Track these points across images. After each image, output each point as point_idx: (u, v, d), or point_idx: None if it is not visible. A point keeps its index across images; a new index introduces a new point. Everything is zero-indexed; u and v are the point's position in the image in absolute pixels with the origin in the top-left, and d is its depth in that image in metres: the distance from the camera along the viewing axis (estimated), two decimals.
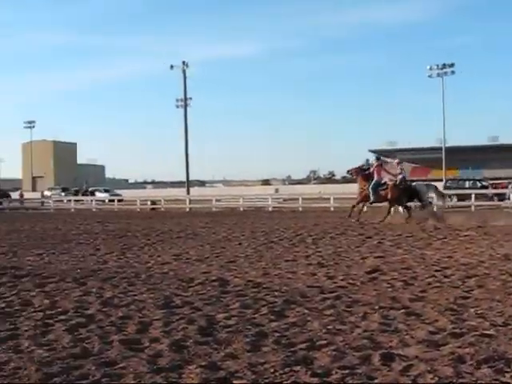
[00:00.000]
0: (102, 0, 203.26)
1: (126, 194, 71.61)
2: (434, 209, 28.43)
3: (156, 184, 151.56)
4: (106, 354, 6.02)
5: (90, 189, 74.35)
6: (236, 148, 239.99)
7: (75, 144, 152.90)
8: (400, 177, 25.61)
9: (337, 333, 6.69)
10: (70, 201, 57.38)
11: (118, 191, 70.78)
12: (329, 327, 6.94)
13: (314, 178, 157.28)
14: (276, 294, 9.17)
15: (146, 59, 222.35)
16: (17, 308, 8.40)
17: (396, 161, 28.64)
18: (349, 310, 7.90)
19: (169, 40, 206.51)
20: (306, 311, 7.83)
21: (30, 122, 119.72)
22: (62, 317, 7.74)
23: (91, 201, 55.48)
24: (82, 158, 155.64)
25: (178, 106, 74.09)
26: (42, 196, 70.84)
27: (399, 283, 9.88)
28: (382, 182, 25.48)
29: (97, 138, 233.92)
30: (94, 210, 47.56)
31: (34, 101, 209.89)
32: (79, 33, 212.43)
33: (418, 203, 26.43)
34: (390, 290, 9.35)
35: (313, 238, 18.64)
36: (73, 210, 47.52)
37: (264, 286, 9.91)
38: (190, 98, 73.38)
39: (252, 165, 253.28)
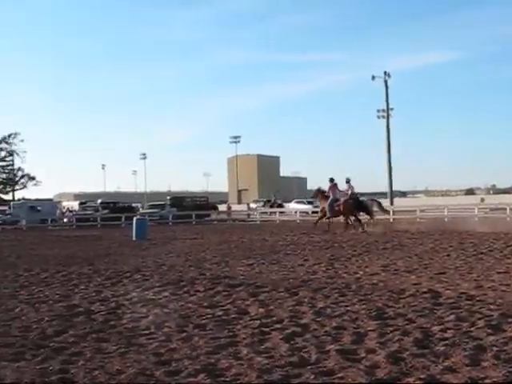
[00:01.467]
0: (294, 18, 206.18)
1: None
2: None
3: (360, 195, 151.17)
4: (324, 364, 6.07)
5: (279, 201, 75.62)
6: (437, 157, 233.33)
7: (278, 157, 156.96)
8: (349, 193, 30.48)
9: None
10: (274, 213, 58.66)
11: None
12: None
13: None
14: (491, 307, 8.84)
15: (344, 71, 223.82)
16: (233, 316, 8.72)
17: (345, 181, 32.09)
18: None
19: (366, 52, 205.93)
20: None
21: (235, 137, 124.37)
22: (278, 325, 7.93)
23: (295, 212, 56.34)
24: (285, 171, 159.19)
25: (379, 117, 73.51)
26: (248, 208, 73.01)
27: None
28: (336, 199, 30.32)
29: (299, 150, 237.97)
30: (298, 221, 48.26)
31: (239, 116, 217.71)
32: (276, 49, 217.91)
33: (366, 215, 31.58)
34: None
35: None
36: (278, 222, 48.57)
37: (478, 298, 9.58)
38: (392, 109, 72.55)
39: (453, 174, 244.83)
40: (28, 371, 6.20)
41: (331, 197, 30.35)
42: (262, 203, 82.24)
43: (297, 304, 9.48)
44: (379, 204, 33.20)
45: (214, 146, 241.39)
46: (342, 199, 30.19)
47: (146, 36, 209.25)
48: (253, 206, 79.68)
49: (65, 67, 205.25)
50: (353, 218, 30.79)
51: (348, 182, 31.07)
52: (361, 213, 31.19)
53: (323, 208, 31.63)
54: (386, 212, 35.58)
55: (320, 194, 32.38)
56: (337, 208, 30.29)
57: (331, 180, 31.14)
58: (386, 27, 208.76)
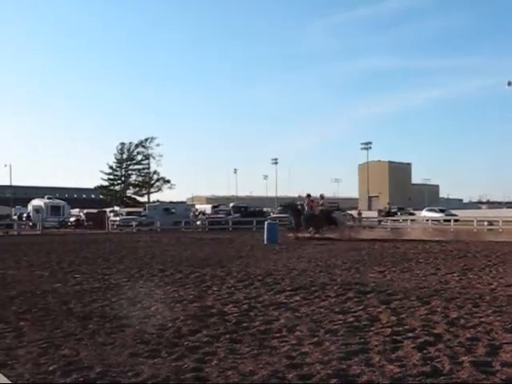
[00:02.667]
0: (426, 23, 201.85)
1: (461, 213, 70.14)
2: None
3: (491, 204, 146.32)
4: (457, 375, 5.96)
5: (393, 210, 74.13)
6: None
7: (410, 164, 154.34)
8: (320, 208, 34.48)
9: None
10: (406, 220, 57.72)
11: (453, 211, 69.46)
12: None
13: None
14: None
15: (477, 77, 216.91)
16: (365, 323, 8.69)
17: (319, 196, 37.69)
18: None
19: (501, 56, 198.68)
20: None
21: (366, 144, 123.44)
22: (410, 334, 7.84)
23: (427, 220, 55.28)
24: (416, 179, 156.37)
25: None
26: (379, 215, 72.22)
27: None
28: (314, 213, 33.45)
29: (431, 158, 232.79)
30: (429, 230, 47.30)
31: (370, 122, 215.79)
32: (409, 55, 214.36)
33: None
34: None
35: None
36: (409, 230, 47.78)
37: None
38: None
39: None
40: (163, 368, 6.44)
41: (308, 210, 33.65)
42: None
43: (429, 313, 9.33)
44: (349, 215, 38.73)
45: (345, 152, 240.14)
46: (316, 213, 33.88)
47: (281, 46, 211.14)
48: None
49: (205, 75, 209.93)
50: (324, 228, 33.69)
51: (322, 198, 37.43)
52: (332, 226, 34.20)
53: (298, 222, 34.11)
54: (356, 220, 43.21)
55: (290, 209, 36.63)
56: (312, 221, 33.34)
57: (308, 196, 35.21)
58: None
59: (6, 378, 5.99)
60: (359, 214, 70.00)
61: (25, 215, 65.87)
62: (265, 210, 72.12)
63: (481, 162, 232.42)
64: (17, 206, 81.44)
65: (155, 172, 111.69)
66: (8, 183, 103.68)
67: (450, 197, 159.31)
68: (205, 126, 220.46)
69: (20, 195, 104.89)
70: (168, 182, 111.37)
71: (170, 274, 15.52)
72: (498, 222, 49.28)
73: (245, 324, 8.74)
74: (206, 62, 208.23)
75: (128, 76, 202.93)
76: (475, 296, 11.03)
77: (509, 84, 68.62)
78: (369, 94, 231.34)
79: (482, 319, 8.79)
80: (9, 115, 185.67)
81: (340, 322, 8.76)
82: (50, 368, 6.48)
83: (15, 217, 66.97)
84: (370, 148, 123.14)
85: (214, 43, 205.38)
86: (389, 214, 68.36)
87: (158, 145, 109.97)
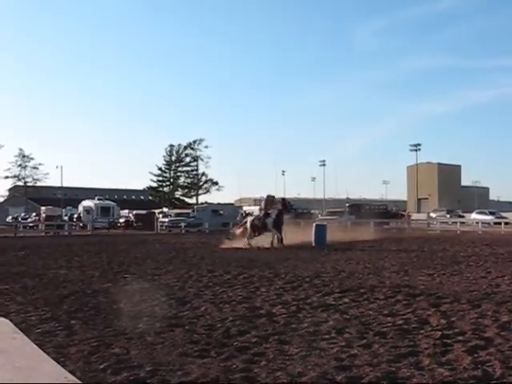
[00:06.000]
0: (482, 22, 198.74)
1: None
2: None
3: None
4: (509, 380, 5.89)
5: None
6: None
7: (459, 166, 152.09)
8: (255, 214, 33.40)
9: None
10: (455, 223, 57.05)
11: (504, 214, 68.37)
12: None
13: None
14: None
15: None
16: (414, 326, 8.62)
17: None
18: None
19: None
20: None
21: (415, 145, 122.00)
22: (460, 337, 7.76)
23: (477, 223, 54.56)
24: (465, 181, 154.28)
25: None
26: (428, 217, 71.52)
27: None
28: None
29: (481, 159, 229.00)
30: (479, 232, 46.65)
31: (419, 124, 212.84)
32: (459, 54, 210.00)
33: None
34: None
35: None
36: (458, 232, 47.18)
37: None
38: None
39: None
40: (213, 368, 6.49)
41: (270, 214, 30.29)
42: (444, 212, 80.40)
43: (479, 317, 9.21)
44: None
45: (394, 153, 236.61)
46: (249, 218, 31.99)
47: (329, 49, 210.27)
48: (433, 215, 78.03)
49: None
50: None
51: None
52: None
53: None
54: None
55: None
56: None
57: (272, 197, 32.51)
58: None
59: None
60: (408, 216, 69.54)
61: (75, 216, 66.73)
62: (312, 211, 72.02)
63: None
64: (67, 207, 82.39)
65: (203, 174, 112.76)
66: (59, 184, 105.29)
67: (501, 199, 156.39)
68: (253, 128, 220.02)
69: (71, 196, 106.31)
70: (216, 183, 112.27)
71: (219, 274, 15.62)
72: None
73: (293, 325, 8.75)
74: (256, 67, 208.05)
75: (180, 80, 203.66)
76: None
77: None
78: (417, 94, 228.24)
79: None
80: (62, 118, 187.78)
81: (389, 324, 8.71)
82: (101, 366, 6.59)
83: (66, 217, 67.93)
84: (419, 149, 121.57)
85: (259, 48, 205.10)
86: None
87: (206, 147, 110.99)
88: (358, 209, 63.76)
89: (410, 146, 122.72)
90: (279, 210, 30.26)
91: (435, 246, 27.76)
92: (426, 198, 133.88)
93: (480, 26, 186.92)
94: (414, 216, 78.69)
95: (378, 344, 7.44)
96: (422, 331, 8.20)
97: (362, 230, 29.68)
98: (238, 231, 31.12)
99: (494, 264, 18.39)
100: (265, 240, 29.01)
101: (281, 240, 29.15)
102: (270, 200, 31.80)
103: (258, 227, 30.01)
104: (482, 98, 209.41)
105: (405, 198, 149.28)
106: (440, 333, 8.02)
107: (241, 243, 28.89)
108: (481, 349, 7.11)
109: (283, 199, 33.41)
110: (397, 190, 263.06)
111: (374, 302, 10.88)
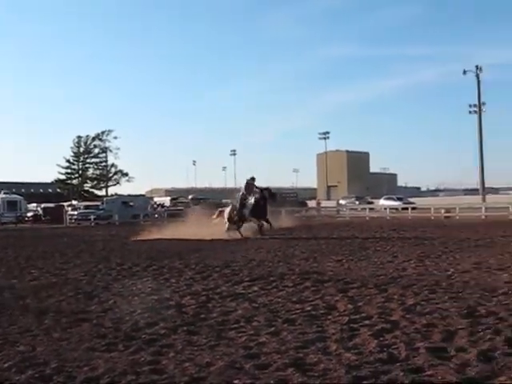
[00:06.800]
0: (389, 13, 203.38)
1: (419, 201, 70.90)
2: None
3: (448, 192, 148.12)
4: (413, 361, 5.99)
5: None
6: None
7: (368, 153, 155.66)
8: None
9: None
10: (364, 209, 58.27)
11: (411, 199, 70.25)
12: None
13: None
14: None
15: (435, 66, 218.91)
16: (322, 312, 8.70)
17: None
18: None
19: (460, 45, 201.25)
20: None
21: (324, 133, 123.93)
22: (367, 322, 7.88)
23: (385, 209, 55.89)
24: (374, 167, 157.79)
25: (470, 112, 71.90)
26: (338, 204, 72.74)
27: None
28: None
29: (388, 146, 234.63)
30: (387, 218, 47.79)
31: (328, 112, 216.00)
32: (369, 45, 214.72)
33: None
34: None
35: None
36: (367, 218, 48.17)
37: None
38: (484, 104, 70.79)
39: None
40: (120, 361, 6.37)
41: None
42: (353, 199, 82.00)
43: (386, 301, 9.38)
44: None
45: (304, 142, 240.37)
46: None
47: (243, 34, 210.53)
48: (342, 202, 79.44)
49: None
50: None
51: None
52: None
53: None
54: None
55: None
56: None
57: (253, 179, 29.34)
58: (478, 21, 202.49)
59: None
60: (318, 203, 70.53)
61: None
62: (224, 201, 72.15)
63: (437, 150, 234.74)
64: None
65: (113, 165, 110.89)
66: None
67: (408, 185, 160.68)
68: (164, 119, 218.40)
69: None
70: (126, 174, 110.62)
71: (128, 267, 15.38)
72: (454, 209, 50.06)
73: (202, 316, 8.70)
74: (168, 62, 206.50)
75: (82, 70, 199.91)
76: (432, 283, 11.11)
77: (464, 72, 69.71)
78: (327, 84, 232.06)
79: (438, 305, 8.84)
80: None
81: (297, 311, 8.76)
82: (6, 365, 6.38)
83: None
84: (328, 138, 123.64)
85: (171, 44, 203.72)
86: None
87: (115, 137, 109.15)
88: (272, 197, 64.20)
89: (319, 134, 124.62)
90: (260, 196, 27.67)
91: (344, 233, 28.25)
92: (336, 186, 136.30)
93: (387, 15, 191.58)
94: (324, 203, 79.92)
95: (286, 331, 7.46)
96: (329, 317, 8.28)
97: (274, 219, 29.45)
98: (215, 221, 29.93)
99: (401, 248, 18.83)
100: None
101: (270, 226, 27.59)
102: (251, 185, 28.74)
103: (236, 220, 28.15)
104: (389, 87, 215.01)
105: (315, 186, 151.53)
106: (347, 318, 8.12)
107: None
108: (387, 332, 7.23)
109: (267, 188, 29.93)
110: (307, 178, 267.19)
111: (282, 289, 10.93)
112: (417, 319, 7.93)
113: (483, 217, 46.34)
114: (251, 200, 27.83)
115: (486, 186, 73.65)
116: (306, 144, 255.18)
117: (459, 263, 14.28)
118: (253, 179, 29.22)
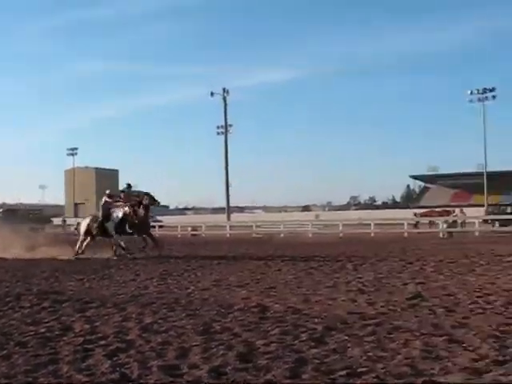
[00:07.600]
0: (143, 30, 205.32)
1: (167, 220, 71.94)
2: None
3: (196, 210, 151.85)
4: (145, 380, 6.00)
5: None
6: (276, 174, 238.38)
7: (117, 171, 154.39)
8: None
9: (377, 360, 6.58)
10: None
11: (159, 217, 71.01)
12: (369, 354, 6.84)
13: (354, 204, 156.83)
14: (316, 320, 9.02)
15: (187, 87, 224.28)
16: (57, 333, 8.43)
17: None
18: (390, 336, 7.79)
19: (210, 68, 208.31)
20: (346, 338, 7.73)
21: (72, 149, 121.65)
22: (102, 342, 7.75)
23: None
24: (124, 185, 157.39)
25: (218, 133, 74.59)
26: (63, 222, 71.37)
27: (441, 310, 9.73)
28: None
29: (138, 164, 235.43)
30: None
31: (77, 128, 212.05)
32: (128, 62, 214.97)
33: None
34: (431, 316, 9.22)
35: (353, 264, 18.51)
36: None
37: (304, 312, 9.78)
38: (231, 125, 73.81)
39: (292, 191, 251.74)
40: None
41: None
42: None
43: (124, 320, 9.32)
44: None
45: (51, 158, 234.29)
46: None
47: None
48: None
49: None
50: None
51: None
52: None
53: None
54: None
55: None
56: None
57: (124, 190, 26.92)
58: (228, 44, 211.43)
59: None
60: (64, 221, 68.82)
61: None
62: None
63: (187, 169, 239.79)
64: None
65: None
66: None
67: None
68: None
69: None
70: None
71: None
72: (201, 227, 51.52)
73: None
74: None
75: None
76: (171, 301, 11.24)
77: (211, 95, 72.46)
78: (79, 99, 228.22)
79: (175, 323, 8.95)
80: None
81: (31, 333, 8.40)
82: None
83: None
84: (76, 154, 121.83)
85: None
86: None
87: None
88: (12, 214, 61.94)
89: (68, 150, 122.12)
90: (137, 206, 24.03)
91: (87, 251, 27.70)
92: (83, 203, 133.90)
93: (142, 32, 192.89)
94: (71, 221, 78.21)
95: (17, 354, 7.14)
96: (64, 338, 8.03)
97: (16, 237, 28.00)
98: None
99: (144, 267, 18.91)
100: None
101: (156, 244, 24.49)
102: (126, 195, 25.35)
103: (93, 233, 24.77)
104: (141, 105, 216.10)
105: (63, 203, 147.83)
106: (82, 338, 7.93)
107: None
108: (121, 352, 7.17)
109: (147, 193, 25.42)
110: (55, 195, 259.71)
111: (18, 310, 10.45)
112: (153, 338, 7.95)
113: (228, 235, 48.10)
114: (119, 213, 24.51)
115: (233, 205, 76.67)
116: (53, 160, 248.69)
117: (200, 281, 14.61)
118: (129, 186, 26.52)
